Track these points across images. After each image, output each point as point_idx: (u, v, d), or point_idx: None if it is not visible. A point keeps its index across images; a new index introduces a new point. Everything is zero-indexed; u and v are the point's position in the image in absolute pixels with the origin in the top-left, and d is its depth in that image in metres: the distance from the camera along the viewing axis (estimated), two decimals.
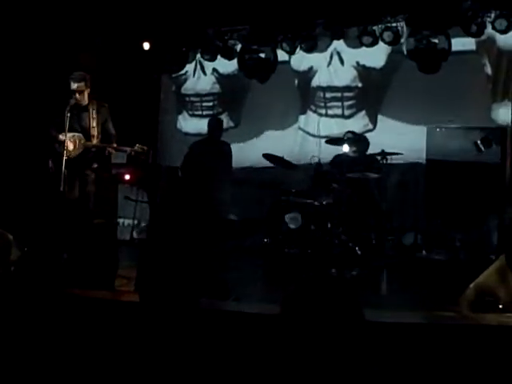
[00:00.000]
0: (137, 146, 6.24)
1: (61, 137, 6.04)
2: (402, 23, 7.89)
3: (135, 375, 2.80)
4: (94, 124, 6.21)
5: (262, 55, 8.68)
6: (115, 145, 6.26)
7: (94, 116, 6.22)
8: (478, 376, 3.02)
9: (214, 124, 8.35)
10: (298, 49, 8.54)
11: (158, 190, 9.14)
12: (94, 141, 6.20)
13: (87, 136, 6.18)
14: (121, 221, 8.51)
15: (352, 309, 1.76)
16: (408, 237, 7.65)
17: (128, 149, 6.34)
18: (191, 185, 8.05)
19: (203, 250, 6.60)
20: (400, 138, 8.21)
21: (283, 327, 1.76)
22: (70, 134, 6.02)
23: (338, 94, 8.94)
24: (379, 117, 8.74)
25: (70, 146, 6.03)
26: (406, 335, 3.32)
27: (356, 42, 8.29)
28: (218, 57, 9.05)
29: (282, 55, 8.75)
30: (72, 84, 6.12)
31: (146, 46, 8.78)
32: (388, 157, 7.69)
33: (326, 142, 8.14)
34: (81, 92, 6.14)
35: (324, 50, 8.83)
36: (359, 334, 1.75)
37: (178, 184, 8.50)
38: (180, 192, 8.39)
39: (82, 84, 6.14)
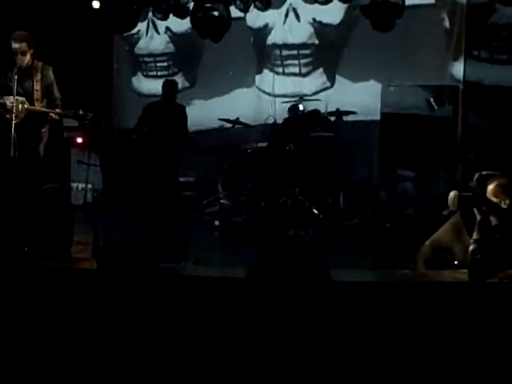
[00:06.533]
0: (81, 111, 6.05)
1: (1, 100, 5.83)
2: None
3: (95, 344, 2.77)
4: (38, 87, 5.97)
5: (216, 13, 8.52)
6: (59, 110, 6.05)
7: (38, 79, 5.98)
8: (434, 332, 3.08)
9: (169, 85, 8.23)
10: (251, 7, 8.43)
11: (111, 153, 9.00)
12: (38, 105, 5.98)
13: (30, 100, 5.96)
14: (74, 185, 8.36)
15: (320, 270, 1.78)
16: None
17: (71, 113, 6.14)
18: (145, 147, 7.95)
19: (160, 214, 6.55)
20: (356, 96, 8.19)
21: (251, 291, 1.75)
22: (11, 98, 5.79)
23: (295, 52, 8.82)
24: (337, 74, 8.69)
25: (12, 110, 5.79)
26: (362, 294, 3.36)
27: None
28: (171, 15, 8.86)
29: (236, 11, 8.57)
30: (13, 44, 5.85)
31: (96, 4, 8.52)
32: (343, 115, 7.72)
33: (283, 102, 8.10)
34: (23, 53, 5.87)
35: (279, 6, 8.68)
36: (327, 295, 1.77)
37: (132, 146, 8.38)
38: (134, 154, 8.28)
39: (24, 44, 5.87)
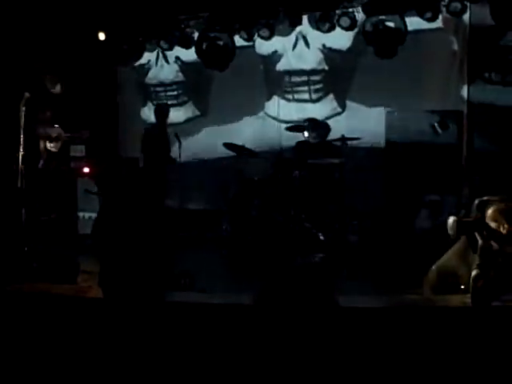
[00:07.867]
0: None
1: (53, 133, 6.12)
2: (359, 8, 7.92)
3: (101, 372, 2.77)
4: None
5: (220, 43, 8.60)
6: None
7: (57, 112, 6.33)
8: (444, 357, 3.07)
9: (158, 111, 8.35)
10: (255, 36, 8.51)
11: (118, 181, 9.03)
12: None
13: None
14: (81, 214, 8.38)
15: (327, 297, 1.79)
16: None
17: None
18: (148, 174, 8.00)
19: (165, 242, 6.56)
20: (365, 122, 8.14)
21: (258, 317, 1.76)
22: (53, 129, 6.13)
23: (305, 78, 8.81)
24: (347, 100, 8.66)
25: (55, 140, 6.13)
26: (371, 319, 3.35)
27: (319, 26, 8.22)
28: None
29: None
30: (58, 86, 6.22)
31: (102, 36, 8.63)
32: (348, 141, 7.73)
33: (287, 128, 8.12)
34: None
35: (288, 33, 8.63)
36: (334, 321, 1.78)
37: (137, 174, 8.43)
38: (138, 182, 8.32)
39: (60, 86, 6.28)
